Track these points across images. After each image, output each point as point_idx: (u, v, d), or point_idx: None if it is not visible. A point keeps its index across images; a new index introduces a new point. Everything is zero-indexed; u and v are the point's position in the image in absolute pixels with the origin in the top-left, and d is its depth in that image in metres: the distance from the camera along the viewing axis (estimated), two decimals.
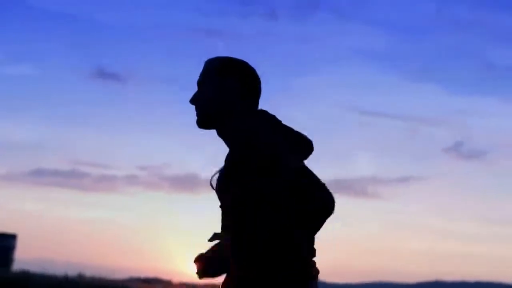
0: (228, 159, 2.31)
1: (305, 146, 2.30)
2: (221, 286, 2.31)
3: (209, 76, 2.36)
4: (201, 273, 2.36)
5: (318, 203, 2.14)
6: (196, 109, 2.37)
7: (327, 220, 2.20)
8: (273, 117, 2.31)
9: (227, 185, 2.28)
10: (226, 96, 2.33)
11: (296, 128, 2.33)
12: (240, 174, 2.22)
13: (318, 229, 2.21)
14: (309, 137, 2.32)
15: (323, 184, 2.18)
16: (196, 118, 2.37)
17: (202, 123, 2.37)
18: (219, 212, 2.36)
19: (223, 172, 2.32)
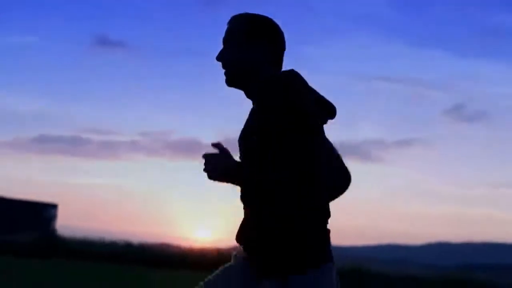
0: (258, 106, 2.23)
1: (331, 109, 2.27)
2: (237, 231, 2.27)
3: (236, 35, 2.31)
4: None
5: (340, 179, 2.35)
6: (224, 68, 2.33)
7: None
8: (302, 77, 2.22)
9: (254, 130, 2.20)
10: (254, 56, 2.28)
11: None
12: (272, 121, 2.12)
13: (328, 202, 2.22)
14: None
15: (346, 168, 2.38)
16: (224, 77, 2.32)
17: (231, 82, 2.32)
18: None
19: (250, 122, 2.27)
